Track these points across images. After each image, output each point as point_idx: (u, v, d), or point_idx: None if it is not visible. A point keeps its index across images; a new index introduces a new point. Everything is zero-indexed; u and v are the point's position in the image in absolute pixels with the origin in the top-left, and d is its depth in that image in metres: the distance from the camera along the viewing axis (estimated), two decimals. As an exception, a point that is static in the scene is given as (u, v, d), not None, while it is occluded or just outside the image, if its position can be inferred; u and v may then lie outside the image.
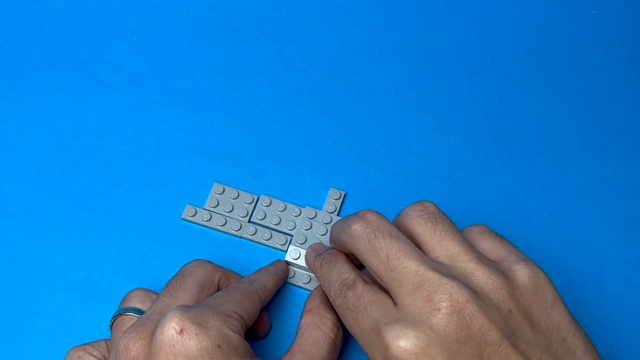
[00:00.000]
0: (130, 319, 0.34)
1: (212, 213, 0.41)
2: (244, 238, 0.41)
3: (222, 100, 0.47)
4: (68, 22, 0.50)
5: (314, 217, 0.41)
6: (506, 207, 0.44)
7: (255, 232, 0.41)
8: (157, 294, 0.35)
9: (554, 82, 0.49)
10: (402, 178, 0.44)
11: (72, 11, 0.50)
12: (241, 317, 0.32)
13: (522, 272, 0.30)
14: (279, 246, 0.40)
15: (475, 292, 0.28)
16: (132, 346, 0.29)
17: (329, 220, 0.41)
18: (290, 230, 0.41)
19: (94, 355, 0.34)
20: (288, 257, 0.40)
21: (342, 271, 0.33)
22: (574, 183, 0.45)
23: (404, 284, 0.29)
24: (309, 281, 0.39)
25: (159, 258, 0.40)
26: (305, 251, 0.39)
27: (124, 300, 0.36)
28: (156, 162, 0.44)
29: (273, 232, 0.41)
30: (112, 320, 0.34)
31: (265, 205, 0.42)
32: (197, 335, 0.28)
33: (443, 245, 0.31)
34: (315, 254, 0.37)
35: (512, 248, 0.33)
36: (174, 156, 0.44)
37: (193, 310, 0.29)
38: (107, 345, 0.35)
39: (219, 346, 0.29)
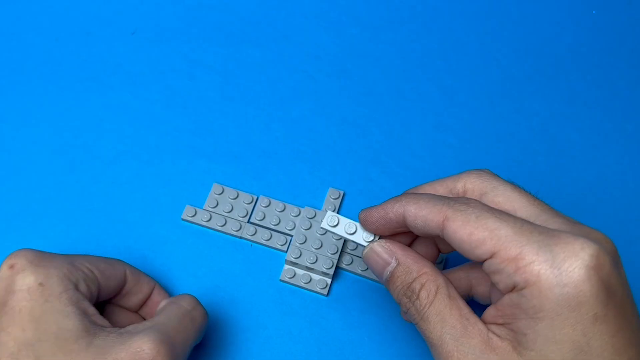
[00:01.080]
0: None
1: (211, 213, 0.41)
2: (243, 238, 0.41)
3: (222, 100, 0.47)
4: (68, 22, 0.50)
5: (313, 217, 0.41)
6: (506, 207, 0.44)
7: (255, 232, 0.41)
8: None
9: (554, 82, 0.49)
10: (402, 178, 0.44)
11: (72, 11, 0.50)
12: (91, 272, 0.31)
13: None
14: (278, 246, 0.40)
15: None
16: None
17: None
18: (290, 230, 0.41)
19: None
20: (289, 257, 0.39)
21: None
22: (574, 183, 0.45)
23: (556, 217, 0.28)
24: (309, 281, 0.39)
25: (159, 258, 0.40)
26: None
27: None
28: (156, 162, 0.44)
29: (273, 232, 0.41)
30: None
31: (264, 206, 0.42)
32: (23, 271, 0.29)
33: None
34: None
35: None
36: (173, 156, 0.44)
37: (39, 253, 0.30)
38: None
39: (40, 284, 0.29)
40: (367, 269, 0.39)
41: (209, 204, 0.42)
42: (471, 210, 0.27)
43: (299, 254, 0.40)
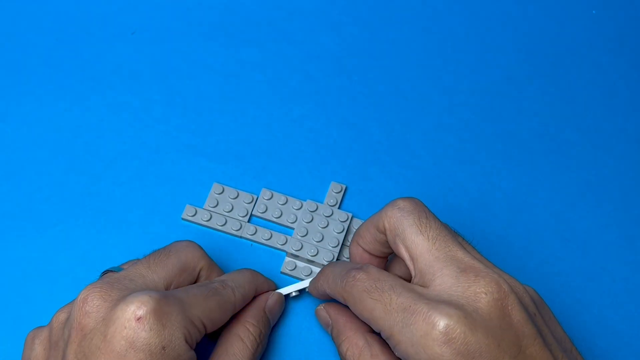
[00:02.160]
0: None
1: (212, 213, 0.41)
2: (244, 238, 0.41)
3: (222, 100, 0.47)
4: (68, 22, 0.50)
5: (315, 210, 0.41)
6: (506, 207, 0.44)
7: (255, 232, 0.41)
8: None
9: (554, 82, 0.49)
10: (402, 178, 0.44)
11: (72, 11, 0.50)
12: (205, 327, 0.31)
13: (530, 288, 0.31)
14: (279, 246, 0.41)
15: (512, 288, 0.29)
16: (90, 301, 0.30)
17: (330, 213, 0.41)
18: (292, 223, 0.41)
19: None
20: (290, 249, 0.40)
21: (346, 264, 0.34)
22: (574, 183, 0.45)
23: (447, 266, 0.29)
24: (310, 273, 0.39)
25: (159, 258, 0.40)
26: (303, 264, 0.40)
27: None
28: (156, 162, 0.44)
29: (273, 232, 0.41)
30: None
31: (266, 198, 0.42)
32: (150, 330, 0.28)
33: (470, 248, 0.32)
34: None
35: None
36: (174, 156, 0.44)
37: (161, 302, 0.29)
38: None
39: (163, 348, 0.29)
40: None
41: (209, 203, 0.42)
42: (355, 292, 0.31)
43: (300, 247, 0.40)
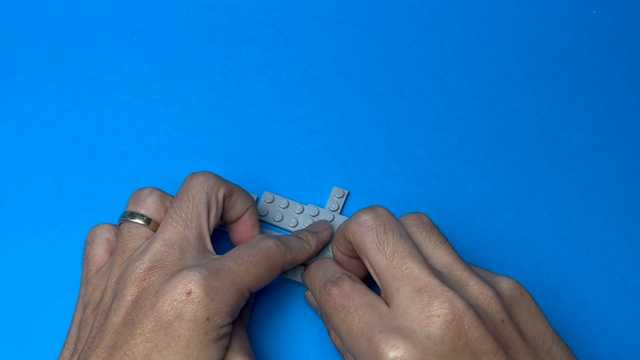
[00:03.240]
0: (142, 229, 0.34)
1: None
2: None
3: (222, 100, 0.47)
4: (68, 22, 0.50)
5: (317, 215, 0.41)
6: (506, 207, 0.44)
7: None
8: (172, 197, 0.36)
9: (554, 82, 0.49)
10: (402, 178, 0.44)
11: (72, 11, 0.50)
12: (250, 292, 0.33)
13: (506, 284, 0.31)
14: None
15: (471, 303, 0.29)
16: (148, 278, 0.31)
17: (332, 218, 0.41)
18: (293, 227, 0.41)
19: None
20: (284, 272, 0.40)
21: (329, 269, 0.34)
22: (574, 183, 0.45)
23: (403, 285, 0.29)
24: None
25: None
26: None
27: (136, 200, 0.35)
28: (156, 162, 0.44)
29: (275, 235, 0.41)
30: (121, 222, 0.35)
31: (268, 201, 0.42)
32: (199, 303, 0.30)
33: (437, 253, 0.32)
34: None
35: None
36: (174, 156, 0.44)
37: (211, 278, 0.31)
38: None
39: (208, 319, 0.30)
40: None
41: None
42: (326, 307, 0.32)
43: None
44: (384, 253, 0.31)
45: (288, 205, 0.42)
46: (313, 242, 0.38)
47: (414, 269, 0.30)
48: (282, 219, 0.41)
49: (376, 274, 0.31)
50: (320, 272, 0.34)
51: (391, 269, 0.30)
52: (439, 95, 0.48)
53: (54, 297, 0.39)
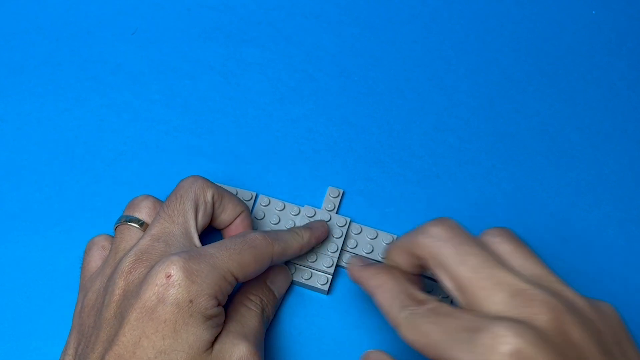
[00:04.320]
0: (134, 231, 0.35)
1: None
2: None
3: (222, 100, 0.47)
4: (68, 22, 0.50)
5: (313, 216, 0.41)
6: (506, 207, 0.44)
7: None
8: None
9: (554, 82, 0.49)
10: (402, 178, 0.44)
11: (72, 11, 0.50)
12: (236, 279, 0.33)
13: (605, 305, 0.30)
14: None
15: (570, 306, 0.28)
16: (133, 270, 0.32)
17: (328, 219, 0.41)
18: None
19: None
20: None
21: (406, 285, 0.32)
22: (574, 183, 0.45)
23: (496, 293, 0.28)
24: (310, 277, 0.39)
25: (159, 258, 0.40)
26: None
27: (131, 205, 0.37)
28: (156, 162, 0.44)
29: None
30: (117, 225, 0.36)
31: (264, 205, 0.42)
32: (179, 286, 0.30)
33: (528, 264, 0.30)
34: (363, 264, 0.35)
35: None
36: (174, 156, 0.44)
37: (191, 261, 0.31)
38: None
39: (190, 301, 0.30)
40: None
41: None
42: (412, 317, 0.30)
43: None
44: (467, 265, 0.29)
45: (284, 207, 0.42)
46: (306, 235, 0.38)
47: (507, 277, 0.28)
48: (279, 222, 0.41)
49: (458, 289, 0.30)
50: (397, 287, 0.32)
51: (479, 280, 0.29)
52: (439, 95, 0.48)
53: (54, 297, 0.39)
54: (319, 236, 0.39)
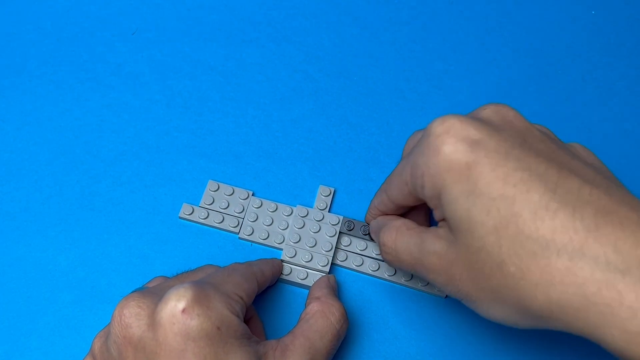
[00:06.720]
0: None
1: (208, 211, 0.42)
2: (242, 239, 0.41)
3: (222, 100, 0.47)
4: (68, 23, 0.50)
5: (306, 216, 0.41)
6: (506, 207, 0.43)
7: (252, 232, 0.41)
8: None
9: (553, 82, 0.49)
10: (402, 178, 0.44)
11: (72, 11, 0.50)
12: (241, 298, 0.32)
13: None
14: (276, 244, 0.41)
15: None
16: (127, 312, 0.29)
17: (321, 218, 0.41)
18: (283, 229, 0.41)
19: None
20: (284, 256, 0.40)
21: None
22: (573, 183, 0.45)
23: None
24: (306, 277, 0.39)
25: (159, 258, 0.40)
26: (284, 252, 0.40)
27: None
28: (156, 162, 0.44)
29: (270, 232, 0.41)
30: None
31: (256, 207, 0.42)
32: (198, 315, 0.28)
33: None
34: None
35: None
36: (174, 156, 0.44)
37: (197, 288, 0.29)
38: None
39: (218, 328, 0.28)
40: (362, 264, 0.40)
41: (205, 201, 0.42)
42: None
43: (294, 253, 0.40)
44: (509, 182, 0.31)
45: (277, 208, 0.42)
46: (268, 263, 0.38)
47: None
48: (272, 223, 0.41)
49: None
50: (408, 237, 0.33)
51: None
52: (439, 95, 0.48)
53: (54, 297, 0.39)
54: (278, 265, 0.39)
